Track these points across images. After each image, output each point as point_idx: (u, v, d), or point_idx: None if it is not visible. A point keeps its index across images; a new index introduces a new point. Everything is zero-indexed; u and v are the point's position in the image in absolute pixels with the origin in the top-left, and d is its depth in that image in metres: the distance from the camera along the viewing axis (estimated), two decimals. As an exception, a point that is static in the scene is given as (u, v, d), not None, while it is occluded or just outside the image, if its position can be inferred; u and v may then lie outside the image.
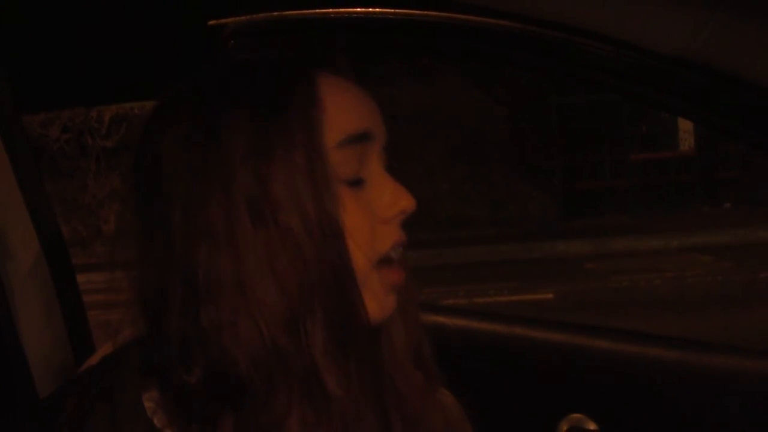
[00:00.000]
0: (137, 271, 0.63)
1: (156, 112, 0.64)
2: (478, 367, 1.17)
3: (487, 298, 6.67)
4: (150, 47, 1.10)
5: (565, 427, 1.11)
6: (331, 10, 0.99)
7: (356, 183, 0.63)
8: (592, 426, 1.10)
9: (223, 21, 1.04)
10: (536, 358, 1.17)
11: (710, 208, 11.40)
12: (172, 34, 1.08)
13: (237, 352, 0.58)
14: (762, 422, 1.06)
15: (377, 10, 0.95)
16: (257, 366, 0.58)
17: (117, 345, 0.67)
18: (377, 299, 0.64)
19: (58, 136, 10.62)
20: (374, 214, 0.64)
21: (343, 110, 0.63)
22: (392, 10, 0.94)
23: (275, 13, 1.02)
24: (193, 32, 1.07)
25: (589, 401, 1.12)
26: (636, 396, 1.13)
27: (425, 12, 0.90)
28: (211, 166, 0.60)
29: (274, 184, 0.59)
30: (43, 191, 1.03)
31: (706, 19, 0.65)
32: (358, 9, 0.96)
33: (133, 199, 0.64)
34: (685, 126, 11.72)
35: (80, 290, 1.05)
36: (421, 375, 0.71)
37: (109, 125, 10.29)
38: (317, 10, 1.00)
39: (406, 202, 0.64)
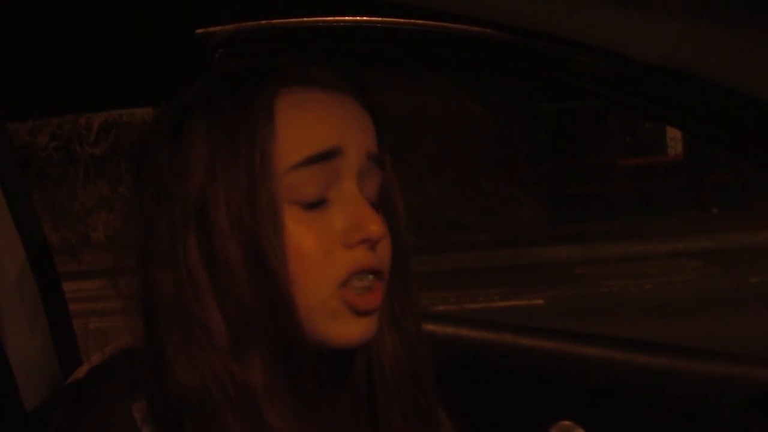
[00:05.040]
0: (124, 280, 0.63)
1: (148, 122, 0.65)
2: (468, 374, 1.17)
3: (477, 304, 6.67)
4: (138, 55, 1.09)
5: (554, 434, 1.11)
6: (319, 18, 0.99)
7: (317, 205, 0.60)
8: (581, 433, 1.10)
9: (211, 29, 1.04)
10: (525, 366, 1.17)
11: (698, 213, 11.46)
12: (160, 42, 1.08)
13: (187, 375, 0.57)
14: (751, 428, 1.06)
15: (365, 18, 0.95)
16: (207, 390, 0.57)
17: (105, 356, 0.67)
18: (343, 324, 0.60)
19: (46, 144, 10.55)
20: (335, 238, 0.59)
21: (302, 129, 0.59)
22: (380, 19, 0.95)
23: (263, 22, 1.02)
24: (181, 40, 1.07)
25: (578, 408, 1.13)
26: (625, 402, 1.13)
27: (412, 21, 0.90)
28: (165, 181, 0.59)
29: (215, 206, 0.57)
30: (29, 200, 1.03)
31: (690, 28, 0.65)
32: (346, 18, 0.97)
33: (126, 207, 0.64)
34: (672, 133, 11.78)
35: (66, 300, 1.05)
36: (420, 395, 0.67)
37: (97, 133, 10.24)
38: (305, 19, 1.00)
39: (373, 228, 0.60)
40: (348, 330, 0.60)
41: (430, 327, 1.20)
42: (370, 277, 0.61)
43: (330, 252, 0.59)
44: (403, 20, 0.91)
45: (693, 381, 1.11)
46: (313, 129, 0.60)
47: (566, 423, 1.11)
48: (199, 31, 1.04)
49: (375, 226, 0.60)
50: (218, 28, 1.03)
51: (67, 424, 0.61)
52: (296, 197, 0.59)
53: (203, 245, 0.57)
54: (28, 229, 0.99)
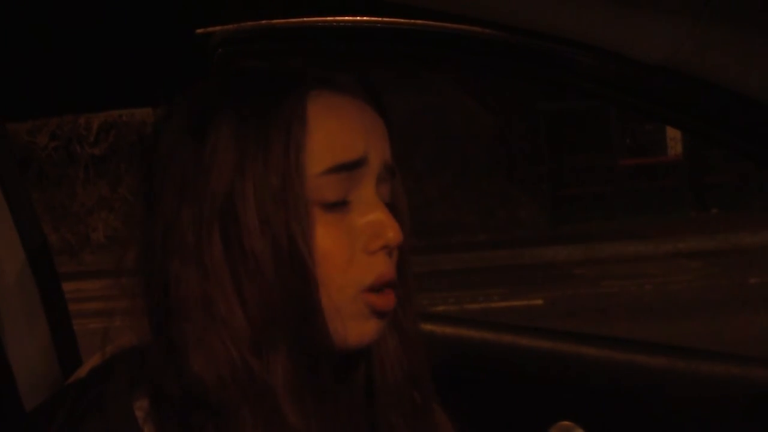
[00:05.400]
0: (131, 279, 0.63)
1: (156, 121, 0.64)
2: (468, 374, 1.17)
3: (477, 304, 6.67)
4: (138, 55, 1.09)
5: (554, 435, 1.11)
6: (319, 18, 0.99)
7: (339, 208, 0.60)
8: (581, 433, 1.10)
9: (211, 29, 1.04)
10: (525, 366, 1.17)
11: (698, 213, 11.45)
12: (160, 42, 1.08)
13: (205, 371, 0.57)
14: (749, 428, 1.06)
15: (365, 18, 0.95)
16: (225, 387, 0.57)
17: (106, 355, 0.67)
18: (361, 325, 0.61)
19: (46, 144, 10.57)
20: (356, 242, 0.61)
21: (332, 135, 0.60)
22: (380, 19, 0.94)
23: (263, 22, 1.02)
24: (181, 40, 1.07)
25: (577, 408, 1.12)
26: (625, 403, 1.13)
27: (412, 21, 0.90)
28: (190, 179, 0.59)
29: (244, 205, 0.57)
30: (28, 200, 1.03)
31: (690, 28, 0.65)
32: (346, 18, 0.96)
33: (133, 206, 0.64)
34: (672, 133, 11.78)
35: (66, 300, 1.05)
36: (417, 394, 0.68)
37: (97, 133, 10.25)
38: (305, 19, 1.00)
39: (391, 234, 0.61)
40: (364, 330, 0.61)
41: (430, 327, 1.20)
42: (387, 288, 0.62)
43: (353, 257, 0.60)
44: (403, 20, 0.91)
45: (693, 381, 1.11)
46: (343, 136, 0.61)
47: (566, 423, 1.11)
48: (199, 31, 1.04)
49: (393, 232, 0.61)
50: (218, 28, 1.03)
51: (68, 423, 0.61)
52: (320, 199, 0.60)
53: (228, 242, 0.58)
54: (28, 229, 0.99)
